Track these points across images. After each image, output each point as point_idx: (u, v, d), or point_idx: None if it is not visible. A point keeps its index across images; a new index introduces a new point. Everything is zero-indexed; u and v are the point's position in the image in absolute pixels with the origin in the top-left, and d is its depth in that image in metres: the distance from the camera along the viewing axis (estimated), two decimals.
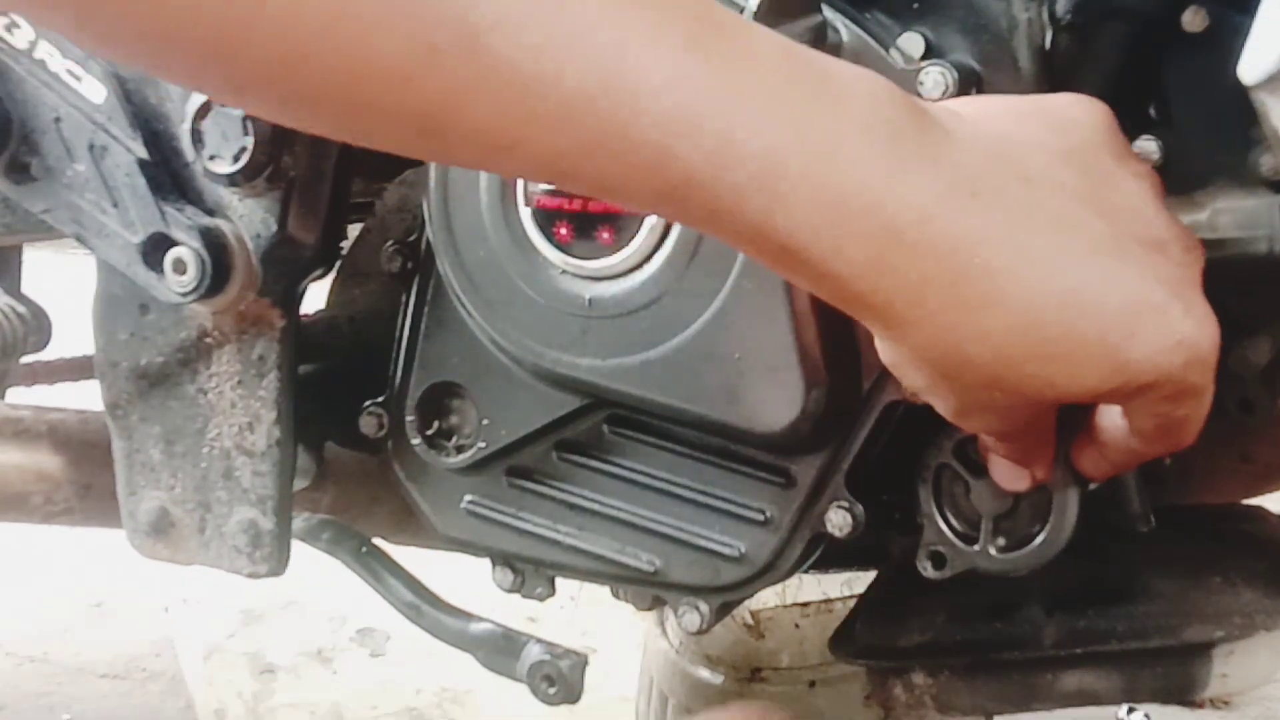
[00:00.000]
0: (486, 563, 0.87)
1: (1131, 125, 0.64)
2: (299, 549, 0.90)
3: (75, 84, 0.84)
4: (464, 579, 1.03)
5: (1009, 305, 0.55)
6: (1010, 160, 0.57)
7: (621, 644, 1.78)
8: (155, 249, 0.82)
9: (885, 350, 0.60)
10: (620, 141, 0.52)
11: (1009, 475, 0.68)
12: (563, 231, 0.75)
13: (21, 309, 1.20)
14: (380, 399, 0.85)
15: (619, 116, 0.51)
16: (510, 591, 0.86)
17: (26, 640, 2.20)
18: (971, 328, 0.55)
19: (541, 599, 0.87)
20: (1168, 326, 0.56)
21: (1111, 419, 0.64)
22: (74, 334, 1.11)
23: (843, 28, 0.70)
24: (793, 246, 0.54)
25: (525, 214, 0.76)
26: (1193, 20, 0.68)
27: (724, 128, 0.52)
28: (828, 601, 1.40)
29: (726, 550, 0.77)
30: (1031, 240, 0.55)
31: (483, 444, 0.82)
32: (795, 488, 0.75)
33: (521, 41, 0.50)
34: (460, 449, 0.83)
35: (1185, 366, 0.57)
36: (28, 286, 1.28)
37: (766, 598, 1.40)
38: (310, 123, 0.56)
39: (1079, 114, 0.61)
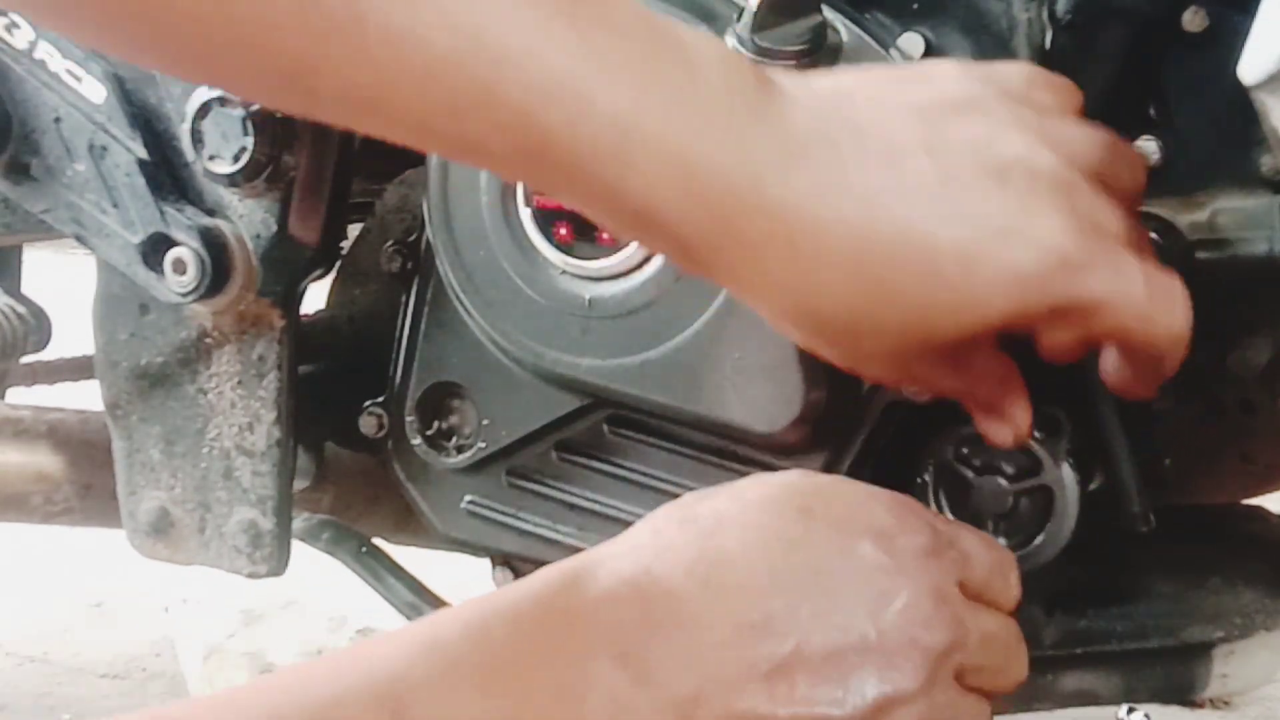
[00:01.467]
0: (486, 563, 0.87)
1: (1132, 125, 0.64)
2: (299, 549, 0.90)
3: (75, 84, 0.84)
4: (464, 579, 1.03)
5: (841, 256, 0.56)
6: (843, 114, 0.57)
7: None
8: (155, 249, 0.82)
9: (759, 312, 0.60)
10: (483, 102, 0.53)
11: (988, 428, 0.65)
12: (563, 231, 0.75)
13: (21, 309, 1.20)
14: (380, 399, 0.85)
15: (483, 78, 0.53)
16: None
17: (26, 640, 2.20)
18: (812, 283, 0.56)
19: None
20: (1003, 258, 0.55)
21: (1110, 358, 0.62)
22: (74, 334, 1.11)
23: (843, 28, 0.70)
24: (645, 210, 0.55)
25: (525, 214, 0.76)
26: (1193, 20, 0.68)
27: (582, 91, 0.53)
28: None
29: None
30: (859, 188, 0.56)
31: (483, 444, 0.82)
32: None
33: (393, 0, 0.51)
34: (460, 449, 0.83)
35: (1042, 287, 0.56)
36: (28, 286, 1.28)
37: None
38: (174, 64, 0.58)
39: (935, 71, 0.61)
